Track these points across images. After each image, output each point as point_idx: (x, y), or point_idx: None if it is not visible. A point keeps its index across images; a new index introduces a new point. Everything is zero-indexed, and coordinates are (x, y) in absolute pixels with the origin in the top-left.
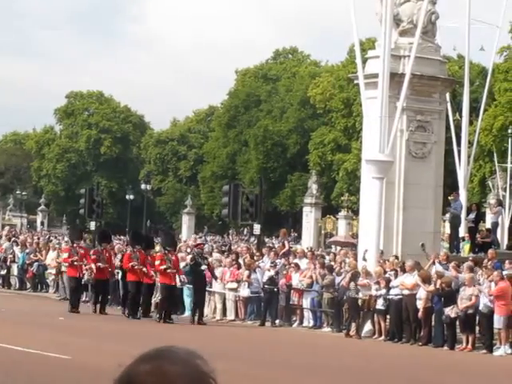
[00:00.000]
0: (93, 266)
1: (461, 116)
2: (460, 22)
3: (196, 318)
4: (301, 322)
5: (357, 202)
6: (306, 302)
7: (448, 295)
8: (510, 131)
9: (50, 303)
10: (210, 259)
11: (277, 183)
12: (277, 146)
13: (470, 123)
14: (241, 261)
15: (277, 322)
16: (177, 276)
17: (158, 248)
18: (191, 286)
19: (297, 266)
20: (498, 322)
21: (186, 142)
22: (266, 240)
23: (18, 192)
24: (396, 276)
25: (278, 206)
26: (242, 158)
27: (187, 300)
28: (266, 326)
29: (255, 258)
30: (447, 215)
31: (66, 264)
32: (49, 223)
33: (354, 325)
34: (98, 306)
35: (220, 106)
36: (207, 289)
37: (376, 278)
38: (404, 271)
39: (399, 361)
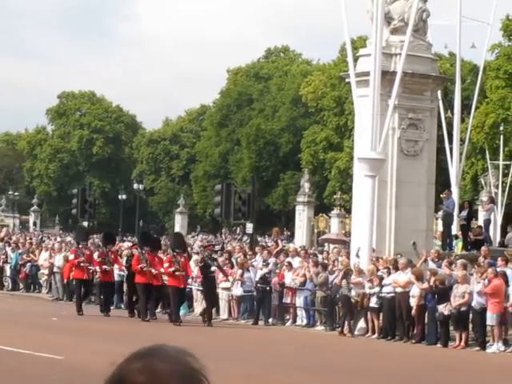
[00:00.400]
0: (97, 268)
1: (452, 114)
2: (451, 20)
3: (205, 319)
4: (294, 321)
5: (349, 201)
6: (299, 301)
7: (441, 293)
8: (501, 128)
9: (42, 303)
10: (219, 260)
11: (269, 182)
12: (269, 145)
13: (462, 121)
14: (233, 260)
15: (270, 320)
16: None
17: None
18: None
19: (290, 265)
20: (491, 319)
21: (179, 141)
22: (259, 239)
23: (10, 192)
24: (389, 274)
25: (270, 204)
26: (235, 157)
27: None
28: (259, 325)
29: (248, 256)
30: (440, 213)
31: (62, 265)
32: (41, 223)
33: (347, 323)
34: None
35: (212, 105)
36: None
37: (369, 276)
38: (397, 269)
39: (393, 359)
